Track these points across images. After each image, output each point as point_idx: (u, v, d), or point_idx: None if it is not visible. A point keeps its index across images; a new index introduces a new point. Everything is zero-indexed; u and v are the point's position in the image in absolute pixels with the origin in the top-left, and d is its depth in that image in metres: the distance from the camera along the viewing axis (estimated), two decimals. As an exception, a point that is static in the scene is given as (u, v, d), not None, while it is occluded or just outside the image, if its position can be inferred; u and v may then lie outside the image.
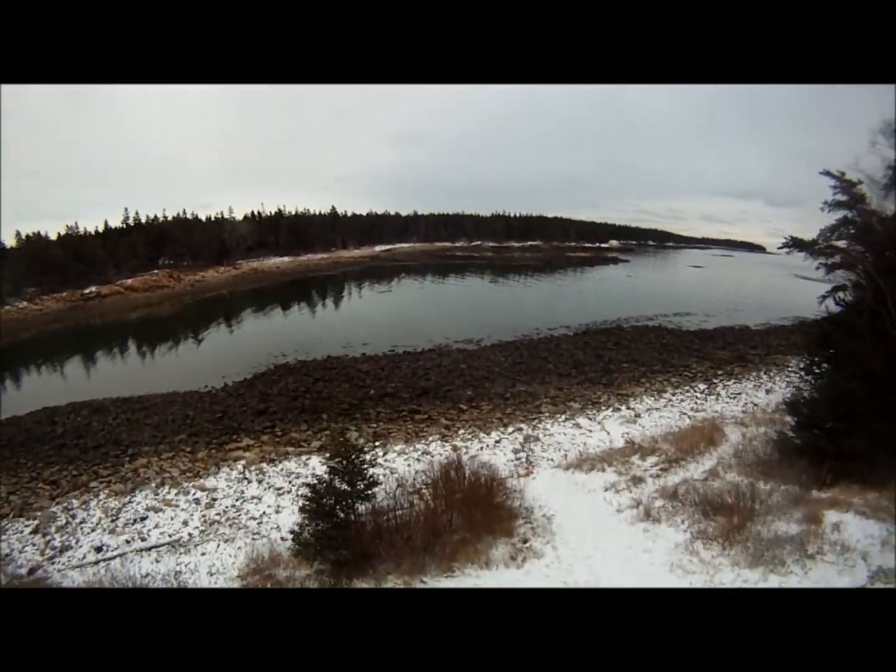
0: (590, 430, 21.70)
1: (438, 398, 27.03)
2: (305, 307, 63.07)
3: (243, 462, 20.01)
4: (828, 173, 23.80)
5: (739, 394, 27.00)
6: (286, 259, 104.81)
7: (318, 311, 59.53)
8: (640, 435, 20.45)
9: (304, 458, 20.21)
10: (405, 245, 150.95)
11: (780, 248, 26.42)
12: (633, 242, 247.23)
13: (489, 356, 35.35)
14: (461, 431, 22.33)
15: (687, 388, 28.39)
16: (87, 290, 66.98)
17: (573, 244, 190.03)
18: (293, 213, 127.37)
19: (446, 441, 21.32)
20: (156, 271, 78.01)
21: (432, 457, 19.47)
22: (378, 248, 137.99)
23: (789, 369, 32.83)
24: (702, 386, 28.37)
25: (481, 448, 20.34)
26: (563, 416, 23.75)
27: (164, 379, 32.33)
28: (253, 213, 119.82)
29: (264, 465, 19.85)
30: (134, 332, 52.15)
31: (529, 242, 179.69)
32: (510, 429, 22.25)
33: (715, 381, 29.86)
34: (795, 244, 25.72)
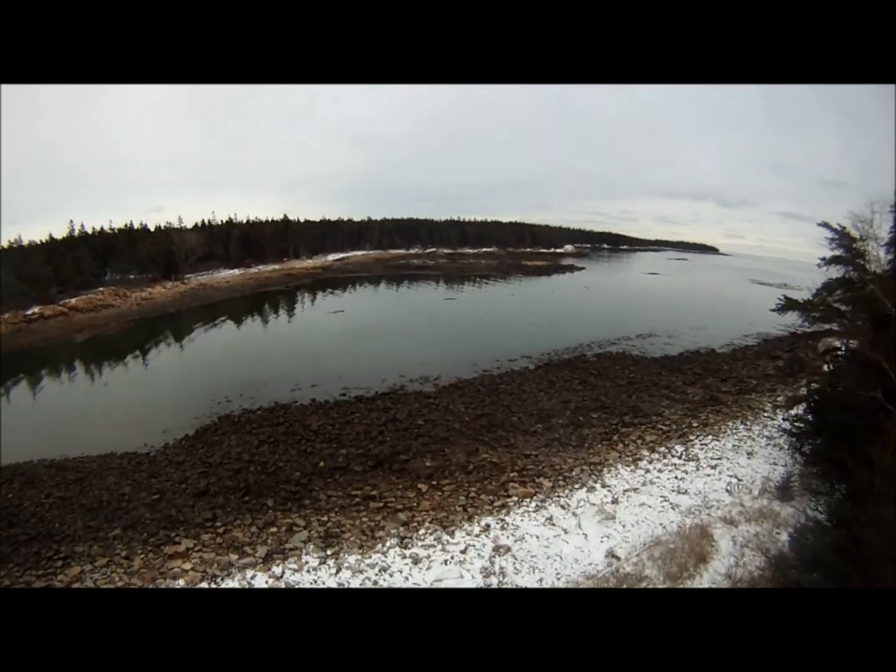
0: (565, 531, 18.91)
1: (394, 472, 23.91)
2: (254, 331, 58.65)
3: (182, 582, 16.62)
4: (825, 225, 22.08)
5: (720, 459, 24.73)
6: (236, 272, 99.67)
7: (266, 337, 55.12)
8: (620, 541, 17.92)
9: (248, 574, 16.87)
10: (359, 253, 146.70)
11: (773, 309, 24.82)
12: (588, 246, 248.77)
13: (448, 404, 32.41)
14: (422, 531, 19.34)
15: (663, 448, 26.05)
16: (29, 312, 61.93)
17: (528, 250, 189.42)
18: (245, 220, 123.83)
19: (406, 546, 18.30)
20: (101, 289, 72.80)
21: (391, 575, 16.77)
22: (331, 258, 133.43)
23: (765, 415, 31.09)
24: (679, 448, 26.01)
25: (446, 562, 17.38)
26: (534, 504, 20.98)
27: (102, 428, 28.88)
28: (203, 221, 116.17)
29: (204, 584, 16.54)
30: (78, 357, 47.45)
31: (484, 249, 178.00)
32: (476, 528, 19.32)
33: (691, 436, 27.64)
34: (790, 306, 24.10)
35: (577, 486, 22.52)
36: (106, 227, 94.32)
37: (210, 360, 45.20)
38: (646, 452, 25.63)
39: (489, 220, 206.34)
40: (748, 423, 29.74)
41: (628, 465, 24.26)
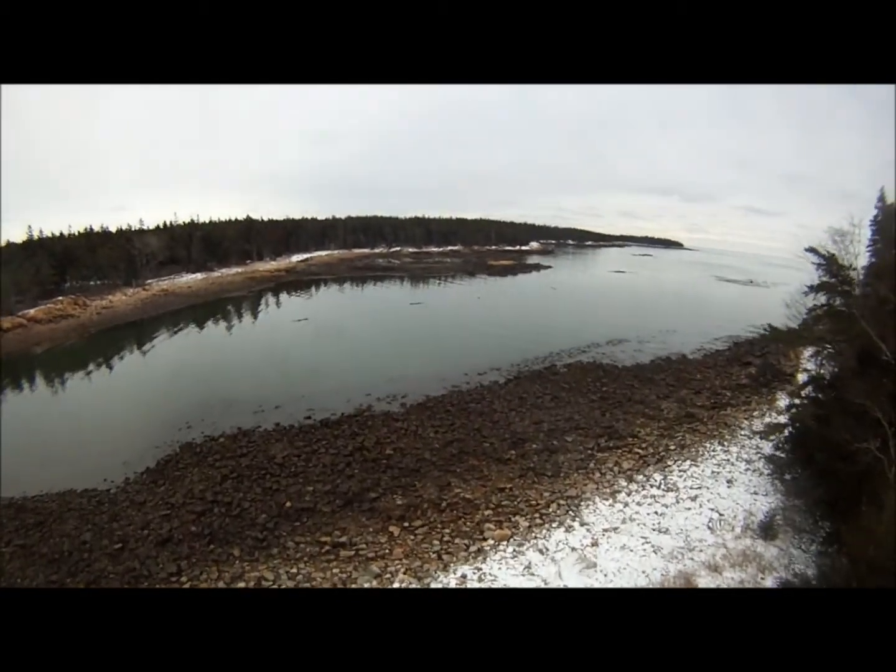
0: (545, 582, 17.77)
1: (364, 512, 22.46)
2: (215, 344, 55.85)
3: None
4: (812, 251, 21.32)
5: (699, 489, 23.83)
6: (198, 276, 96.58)
7: (228, 351, 52.44)
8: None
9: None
10: (323, 253, 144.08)
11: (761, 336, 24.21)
12: (553, 243, 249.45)
13: (417, 427, 31.03)
14: (395, 583, 17.96)
15: (641, 477, 25.08)
16: (-11, 324, 58.97)
17: (494, 248, 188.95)
18: (207, 221, 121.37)
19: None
20: (60, 298, 69.44)
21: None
22: (295, 259, 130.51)
23: (742, 433, 30.49)
24: (657, 477, 25.04)
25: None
26: (511, 548, 19.76)
27: (62, 458, 27.11)
28: (165, 223, 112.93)
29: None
30: (37, 371, 45.33)
31: (449, 248, 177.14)
32: (452, 580, 17.94)
33: (668, 461, 26.76)
34: (776, 338, 23.46)
35: (554, 524, 21.39)
36: (65, 231, 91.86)
37: (171, 378, 42.89)
38: (623, 482, 24.62)
39: (454, 217, 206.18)
40: (725, 443, 28.98)
41: (606, 499, 23.20)
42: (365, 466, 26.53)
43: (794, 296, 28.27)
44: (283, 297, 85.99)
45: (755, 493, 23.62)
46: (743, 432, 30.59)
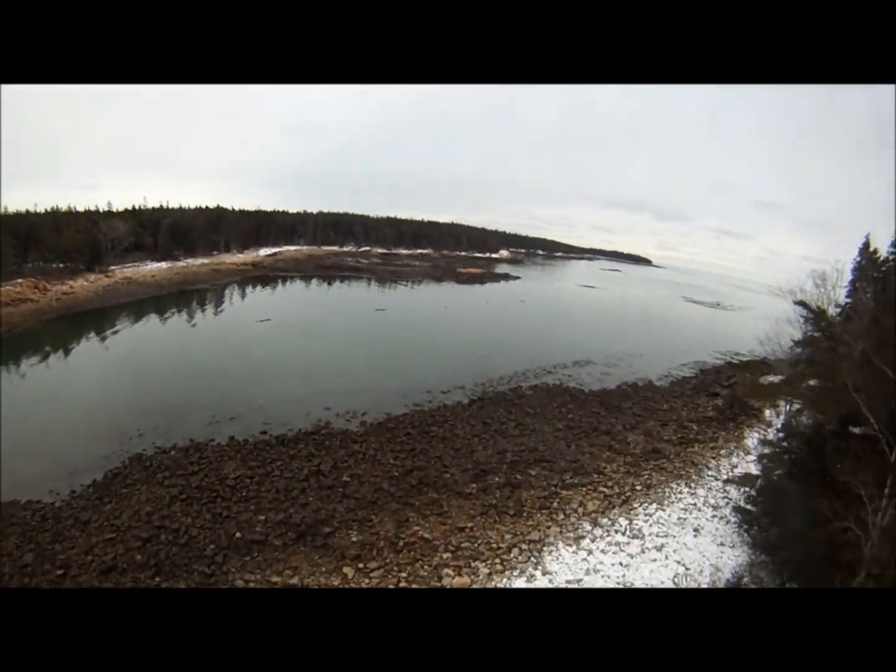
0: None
1: (318, 548, 20.94)
2: (174, 341, 52.83)
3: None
4: (802, 304, 20.71)
5: (665, 537, 23.01)
6: (163, 266, 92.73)
7: (187, 350, 49.72)
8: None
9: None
10: (291, 248, 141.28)
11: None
12: (523, 251, 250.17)
13: (376, 452, 29.49)
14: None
15: (606, 520, 24.16)
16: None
17: (464, 254, 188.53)
18: (177, 207, 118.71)
19: None
20: (20, 280, 65.73)
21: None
22: (263, 253, 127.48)
23: (709, 473, 29.91)
24: (622, 521, 24.11)
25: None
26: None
27: (5, 465, 24.56)
28: (134, 206, 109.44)
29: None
30: None
31: (419, 251, 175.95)
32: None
33: (634, 503, 25.91)
34: (758, 394, 22.82)
35: (515, 572, 20.24)
36: (31, 209, 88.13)
37: (127, 378, 40.40)
38: (588, 526, 23.63)
39: (426, 219, 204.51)
40: (692, 484, 28.33)
41: (570, 545, 22.15)
42: (320, 494, 25.02)
43: (769, 333, 27.95)
44: (248, 292, 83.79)
45: (722, 544, 22.94)
46: (710, 472, 30.02)
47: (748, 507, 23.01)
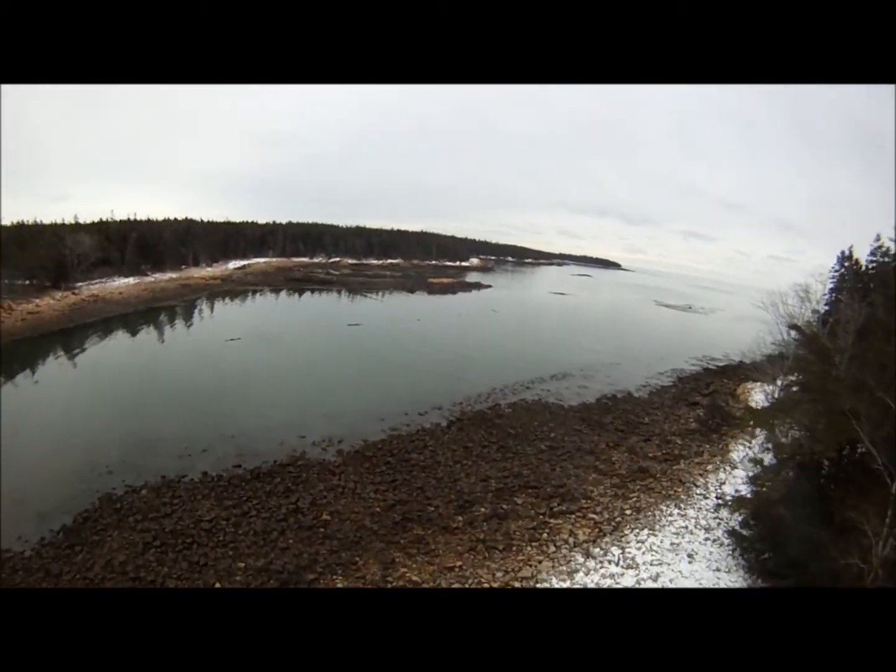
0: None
1: (294, 601, 20.00)
2: (141, 364, 50.65)
3: None
4: (795, 328, 20.33)
5: (660, 566, 22.30)
6: (131, 281, 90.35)
7: (154, 374, 47.30)
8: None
9: None
10: (261, 261, 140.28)
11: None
12: (493, 259, 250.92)
13: (356, 485, 28.25)
14: None
15: (598, 550, 23.39)
16: None
17: (434, 263, 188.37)
18: (144, 219, 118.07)
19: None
20: None
21: None
22: (232, 266, 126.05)
23: (697, 492, 29.41)
24: (615, 551, 23.37)
25: None
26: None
27: None
28: (101, 220, 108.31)
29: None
30: None
31: (389, 261, 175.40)
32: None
33: (625, 529, 25.22)
34: (756, 422, 22.34)
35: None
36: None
37: (93, 405, 38.54)
38: (580, 558, 22.80)
39: (395, 228, 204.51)
40: (682, 505, 27.78)
41: (563, 580, 21.33)
42: (301, 536, 23.75)
43: (752, 347, 27.48)
44: (218, 308, 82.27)
45: (717, 569, 22.34)
46: (698, 491, 29.52)
47: (742, 531, 22.43)
